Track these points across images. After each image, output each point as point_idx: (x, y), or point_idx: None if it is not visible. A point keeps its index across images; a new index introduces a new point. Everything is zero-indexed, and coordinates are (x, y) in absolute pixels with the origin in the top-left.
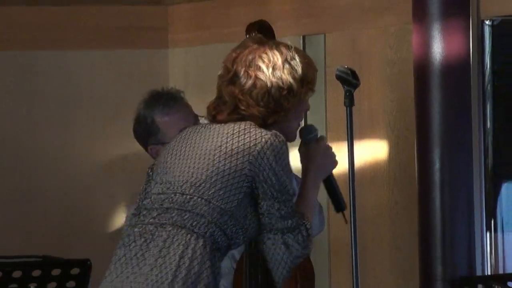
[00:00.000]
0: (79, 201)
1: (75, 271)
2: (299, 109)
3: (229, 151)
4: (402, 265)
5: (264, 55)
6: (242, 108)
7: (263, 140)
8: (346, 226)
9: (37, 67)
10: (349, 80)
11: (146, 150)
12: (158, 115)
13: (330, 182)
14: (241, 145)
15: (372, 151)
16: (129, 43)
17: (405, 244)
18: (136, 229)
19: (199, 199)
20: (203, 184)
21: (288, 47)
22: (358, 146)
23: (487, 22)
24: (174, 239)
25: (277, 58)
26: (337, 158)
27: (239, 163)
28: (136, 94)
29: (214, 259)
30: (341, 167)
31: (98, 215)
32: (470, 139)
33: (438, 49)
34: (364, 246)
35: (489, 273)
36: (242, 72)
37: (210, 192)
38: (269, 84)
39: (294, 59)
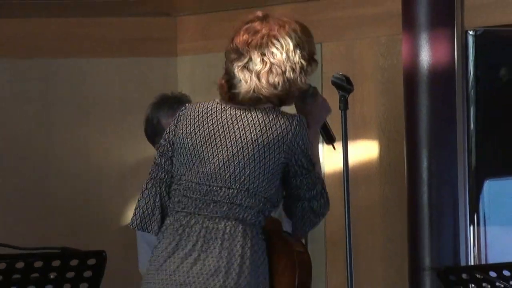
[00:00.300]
0: (92, 199)
1: (91, 261)
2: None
3: (266, 144)
4: (392, 255)
5: (276, 41)
6: (260, 91)
7: (292, 127)
8: (341, 220)
9: (55, 74)
10: (344, 86)
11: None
12: (163, 116)
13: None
14: (275, 136)
15: (365, 151)
16: (141, 52)
17: (395, 236)
18: (186, 220)
19: (246, 192)
20: (248, 178)
21: (294, 28)
22: (352, 146)
23: (470, 33)
24: (232, 231)
25: (289, 43)
26: (331, 157)
27: (276, 154)
28: (147, 99)
29: (264, 241)
30: (336, 165)
31: (109, 212)
32: (454, 140)
33: (425, 57)
34: (357, 238)
35: (472, 263)
36: (257, 59)
37: (255, 185)
38: (283, 68)
39: (302, 40)
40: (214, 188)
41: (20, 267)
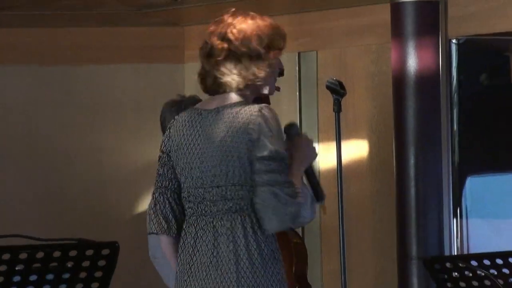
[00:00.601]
0: (106, 195)
1: (105, 251)
2: (272, 70)
3: (235, 141)
4: (382, 245)
5: (234, 29)
6: (219, 76)
7: (254, 118)
8: (335, 213)
9: (74, 79)
10: (337, 90)
11: None
12: (168, 114)
13: (310, 175)
14: (241, 131)
15: (357, 149)
16: (152, 59)
17: (385, 228)
18: (197, 223)
19: (233, 186)
20: (229, 174)
21: (258, 19)
22: (345, 145)
23: (453, 41)
24: (233, 224)
25: (246, 29)
26: (326, 155)
27: (245, 147)
28: (157, 102)
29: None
30: (330, 162)
31: (122, 207)
32: (439, 140)
33: (412, 64)
34: (350, 230)
35: (455, 253)
36: (216, 45)
37: (237, 178)
38: (239, 53)
39: (262, 31)
40: (208, 189)
41: (40, 257)
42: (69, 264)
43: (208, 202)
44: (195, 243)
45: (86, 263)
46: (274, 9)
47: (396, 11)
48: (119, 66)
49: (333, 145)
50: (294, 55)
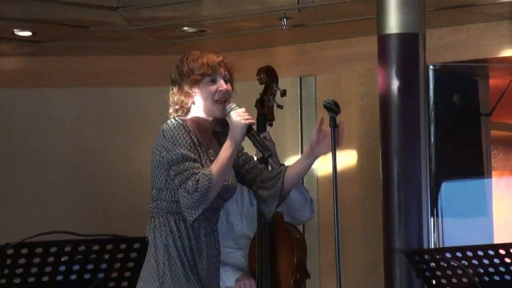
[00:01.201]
0: (138, 196)
1: (136, 245)
2: (204, 93)
3: (153, 150)
4: (371, 240)
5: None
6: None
7: (160, 129)
8: (331, 213)
9: (112, 99)
10: (333, 109)
11: None
12: None
13: (251, 138)
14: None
15: (349, 159)
16: None
17: (373, 225)
18: None
19: (152, 189)
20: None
21: (184, 58)
22: (340, 156)
23: (431, 67)
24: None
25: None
26: (324, 164)
27: (156, 156)
28: None
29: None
30: (327, 170)
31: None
32: (419, 151)
33: (396, 86)
34: (343, 227)
35: (432, 247)
36: None
37: (152, 180)
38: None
39: (182, 62)
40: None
41: (82, 250)
42: (106, 256)
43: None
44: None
45: (120, 255)
46: (279, 41)
47: (382, 42)
48: (149, 88)
49: (329, 156)
50: (296, 79)
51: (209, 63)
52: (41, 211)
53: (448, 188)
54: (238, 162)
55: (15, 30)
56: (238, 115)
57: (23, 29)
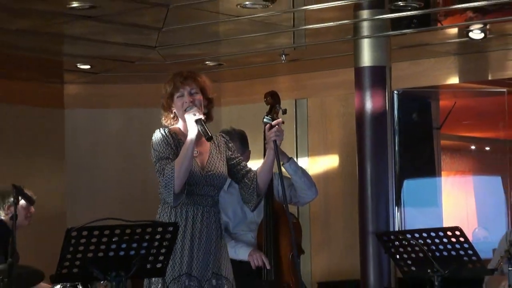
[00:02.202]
0: None
1: (170, 229)
2: (177, 106)
3: None
4: (350, 225)
5: None
6: None
7: None
8: (319, 204)
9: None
10: (267, 122)
11: None
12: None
13: (199, 126)
14: None
15: (333, 162)
16: None
17: (351, 213)
18: None
19: None
20: None
21: (169, 79)
22: (325, 159)
23: (395, 92)
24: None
25: None
26: (314, 165)
27: None
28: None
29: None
30: (316, 171)
31: None
32: (386, 156)
33: (368, 106)
34: (329, 215)
35: (396, 229)
36: None
37: None
38: None
39: (166, 85)
40: None
41: (128, 232)
42: (146, 237)
43: None
44: None
45: (157, 236)
46: (279, 72)
47: (358, 73)
48: None
49: (319, 158)
50: (292, 101)
51: (175, 83)
52: (97, 202)
53: (408, 185)
54: (233, 162)
55: (78, 64)
56: (188, 114)
57: (84, 63)
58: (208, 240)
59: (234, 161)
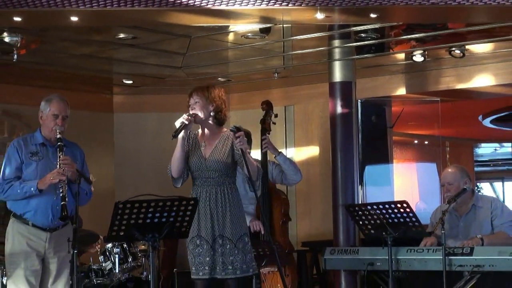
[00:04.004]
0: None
1: (192, 202)
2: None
3: None
4: (325, 199)
5: None
6: None
7: None
8: (303, 182)
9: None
10: (234, 130)
11: None
12: None
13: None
14: None
15: (313, 152)
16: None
17: (326, 191)
18: None
19: None
20: None
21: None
22: (308, 150)
23: (359, 100)
24: None
25: None
26: (299, 154)
27: None
28: None
29: None
30: (303, 157)
31: None
32: (352, 148)
33: (339, 111)
34: (310, 192)
35: (360, 202)
36: None
37: None
38: None
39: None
40: None
41: (161, 205)
42: (174, 208)
43: None
44: None
45: (182, 208)
46: (273, 85)
47: (331, 86)
48: None
49: (303, 149)
50: (282, 107)
51: (188, 95)
52: (138, 183)
53: (369, 170)
54: (235, 157)
55: (123, 80)
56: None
57: (128, 79)
58: (213, 211)
59: (238, 160)
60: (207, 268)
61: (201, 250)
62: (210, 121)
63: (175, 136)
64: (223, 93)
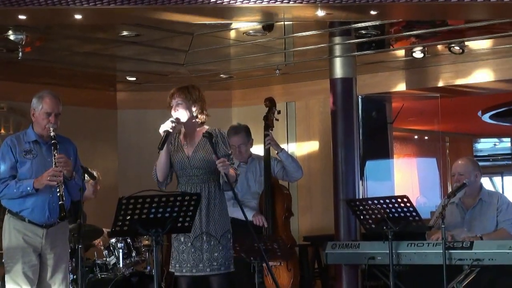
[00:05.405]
0: None
1: (194, 197)
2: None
3: None
4: (326, 194)
5: None
6: None
7: None
8: (305, 177)
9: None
10: (207, 136)
11: None
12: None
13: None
14: None
15: (314, 147)
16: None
17: (327, 185)
18: None
19: None
20: None
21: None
22: (310, 144)
23: (360, 97)
24: None
25: None
26: (301, 149)
27: None
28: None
29: None
30: (304, 152)
31: None
32: (353, 143)
33: (340, 107)
34: (311, 186)
35: (361, 197)
36: None
37: None
38: None
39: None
40: None
41: (164, 200)
42: (177, 203)
43: None
44: None
45: (185, 203)
46: (275, 82)
47: (332, 82)
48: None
49: (304, 144)
50: (284, 104)
51: (169, 97)
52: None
53: (370, 164)
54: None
55: (127, 77)
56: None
57: (131, 76)
58: (198, 209)
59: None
60: (189, 265)
61: (185, 247)
62: (192, 121)
63: (161, 148)
64: (202, 93)
